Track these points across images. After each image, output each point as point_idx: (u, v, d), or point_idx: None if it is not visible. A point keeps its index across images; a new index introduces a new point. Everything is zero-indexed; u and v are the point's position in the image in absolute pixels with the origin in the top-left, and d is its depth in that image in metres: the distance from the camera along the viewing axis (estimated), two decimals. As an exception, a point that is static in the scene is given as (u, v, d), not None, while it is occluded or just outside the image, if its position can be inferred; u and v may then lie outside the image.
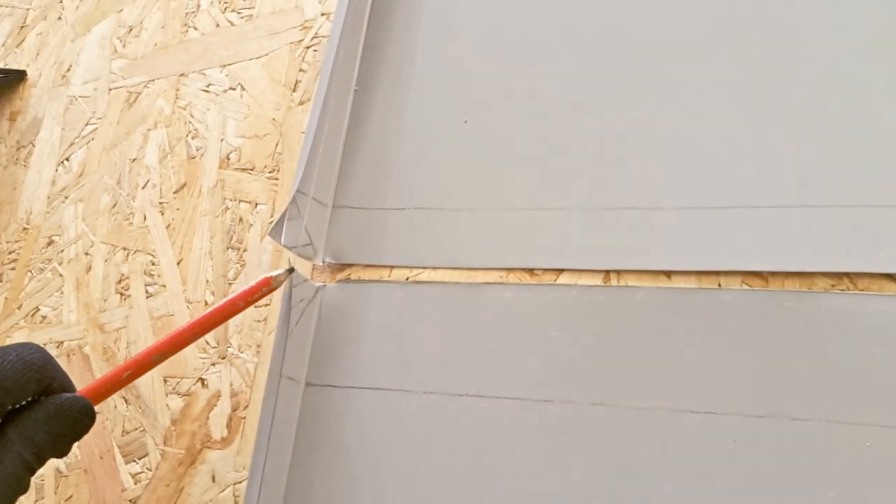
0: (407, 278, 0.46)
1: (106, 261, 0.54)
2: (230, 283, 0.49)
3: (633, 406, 0.40)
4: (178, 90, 0.57)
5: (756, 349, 0.39)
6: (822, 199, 0.40)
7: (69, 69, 0.63)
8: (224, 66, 0.57)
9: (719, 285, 0.41)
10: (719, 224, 0.41)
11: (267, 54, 0.55)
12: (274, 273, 0.42)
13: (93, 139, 0.59)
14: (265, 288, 0.41)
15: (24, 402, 0.32)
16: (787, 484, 0.36)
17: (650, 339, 0.41)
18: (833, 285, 0.39)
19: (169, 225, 0.53)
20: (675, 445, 0.38)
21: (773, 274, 0.40)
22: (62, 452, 0.33)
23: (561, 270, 0.44)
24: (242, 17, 0.57)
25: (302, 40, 0.54)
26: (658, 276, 0.42)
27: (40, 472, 0.49)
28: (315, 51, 0.54)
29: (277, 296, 0.48)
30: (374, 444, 0.43)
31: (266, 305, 0.48)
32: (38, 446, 0.32)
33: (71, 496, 0.47)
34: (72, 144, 0.59)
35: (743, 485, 0.37)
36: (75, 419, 0.33)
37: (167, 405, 0.48)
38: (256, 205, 0.51)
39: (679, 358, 0.40)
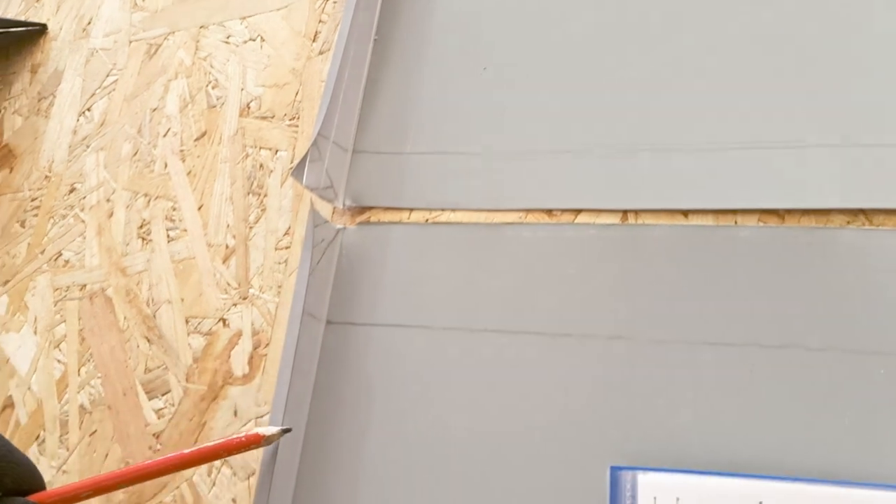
0: (426, 220, 0.47)
1: (127, 207, 0.54)
2: (251, 227, 0.50)
3: (651, 339, 0.40)
4: (198, 42, 0.58)
5: (772, 283, 0.40)
6: (837, 138, 0.41)
7: (90, 22, 0.64)
8: (244, 18, 0.57)
9: (736, 223, 0.41)
10: (736, 164, 0.42)
11: (286, 6, 0.56)
12: (267, 432, 0.39)
13: (114, 90, 0.59)
14: (253, 444, 0.39)
15: None
16: (803, 410, 0.37)
17: (668, 274, 0.41)
18: (849, 222, 0.40)
19: (190, 172, 0.54)
20: (693, 376, 0.39)
21: (790, 212, 0.41)
22: None
23: (579, 210, 0.44)
24: (263, -31, 0.58)
25: (322, -9, 0.55)
26: (675, 215, 0.42)
27: (64, 408, 0.50)
28: (335, 2, 0.55)
29: (298, 238, 0.49)
30: (393, 379, 0.44)
31: (287, 248, 0.49)
32: None
33: (95, 431, 0.48)
34: (93, 95, 0.60)
35: (759, 412, 0.38)
36: None
37: (189, 344, 0.49)
38: (277, 151, 0.52)
39: (696, 292, 0.40)
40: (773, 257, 0.40)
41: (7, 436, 0.50)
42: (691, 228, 0.42)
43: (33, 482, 0.33)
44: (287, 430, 0.40)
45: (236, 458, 0.45)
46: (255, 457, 0.45)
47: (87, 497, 0.36)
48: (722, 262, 0.41)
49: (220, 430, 0.46)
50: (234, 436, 0.38)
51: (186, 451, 0.37)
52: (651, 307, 0.41)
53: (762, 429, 0.37)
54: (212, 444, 0.37)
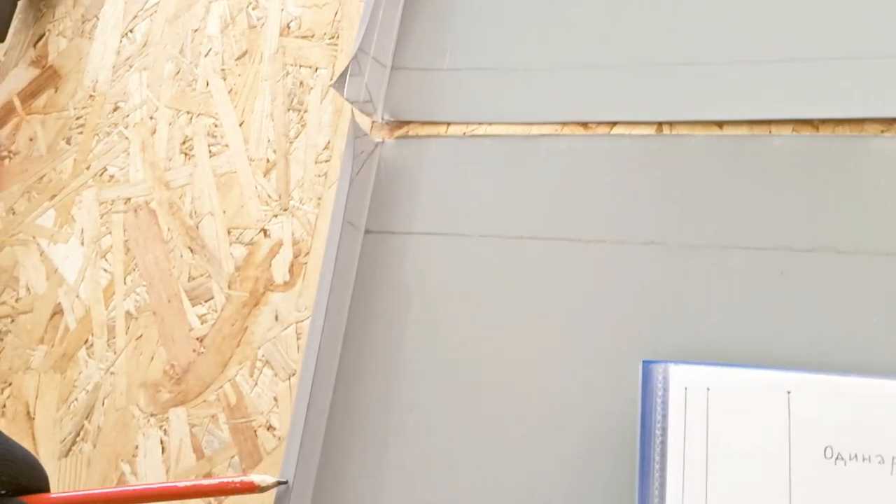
0: (463, 133, 0.48)
1: (170, 124, 0.56)
2: (291, 142, 0.51)
3: (683, 244, 0.41)
4: (238, -36, 0.59)
5: (804, 188, 0.40)
6: (871, 49, 0.41)
7: (131, -53, 0.65)
8: (283, -60, 0.58)
9: (770, 133, 0.42)
10: (771, 75, 0.43)
11: (326, -72, 0.57)
12: (262, 482, 0.39)
13: (155, 12, 0.60)
14: (247, 491, 0.38)
15: None
16: (832, 311, 0.38)
17: (701, 182, 0.42)
18: (883, 130, 0.40)
19: (231, 90, 0.55)
20: (724, 280, 0.40)
21: (824, 121, 0.41)
22: None
23: (614, 123, 0.45)
24: None
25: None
26: (710, 126, 0.43)
27: (111, 314, 0.52)
28: (373, -76, 0.55)
29: (337, 152, 0.50)
30: (429, 285, 0.45)
31: (326, 162, 0.50)
32: None
33: (141, 335, 0.50)
34: (135, 17, 0.61)
35: (788, 313, 0.39)
36: None
37: (231, 254, 0.50)
38: (316, 69, 0.53)
39: (729, 200, 0.41)
40: (806, 165, 0.41)
41: (56, 341, 0.53)
42: (726, 138, 0.42)
43: (31, 481, 0.33)
44: (282, 483, 0.39)
45: (277, 359, 0.47)
46: (296, 358, 0.46)
47: None
48: (755, 171, 0.41)
49: (261, 333, 0.48)
50: (229, 479, 0.38)
51: (181, 483, 0.37)
52: (684, 214, 0.42)
53: (791, 328, 0.38)
54: (206, 483, 0.37)
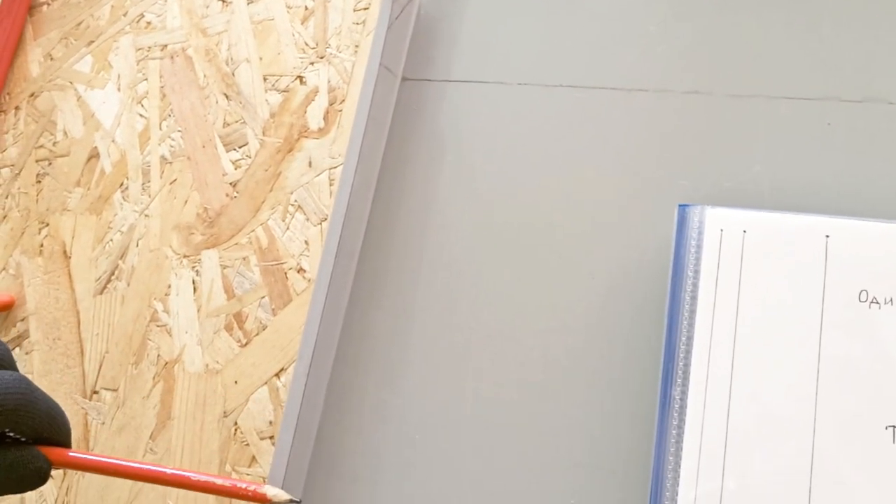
0: (507, -19, 0.47)
1: (208, -29, 0.55)
2: (330, -10, 0.50)
3: (729, 94, 0.40)
4: None
5: (859, 39, 0.39)
6: None
7: None
8: None
9: (828, -20, 0.40)
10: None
11: None
12: (275, 498, 0.36)
13: None
14: (258, 500, 0.36)
15: None
16: (877, 162, 0.37)
17: (750, 30, 0.41)
18: (948, -21, 0.38)
19: (270, -63, 0.53)
20: (768, 129, 0.39)
21: (887, -31, 0.39)
22: None
23: (664, -29, 0.43)
24: None
25: None
26: (765, -26, 0.41)
27: (146, 159, 0.52)
28: None
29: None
30: (465, 132, 0.45)
31: (365, 9, 0.49)
32: None
33: (175, 179, 0.50)
34: None
35: (831, 164, 0.38)
36: (21, 480, 0.31)
37: (266, 100, 0.50)
38: (357, -83, 0.51)
39: (778, 48, 0.40)
40: (860, 15, 0.39)
41: (92, 184, 0.53)
42: (781, -15, 0.41)
43: (53, 433, 0.33)
44: (297, 502, 0.37)
45: (309, 203, 0.47)
46: (328, 203, 0.46)
47: (95, 471, 0.36)
48: (807, 19, 0.40)
49: (294, 179, 0.48)
50: (244, 485, 0.36)
51: (194, 476, 0.36)
52: (731, 63, 0.41)
53: (833, 179, 0.38)
54: (219, 482, 0.36)
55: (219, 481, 0.36)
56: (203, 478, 0.35)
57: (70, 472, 0.46)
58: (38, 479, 0.32)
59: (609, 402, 0.38)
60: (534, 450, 0.38)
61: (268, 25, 0.52)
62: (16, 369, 0.33)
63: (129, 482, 0.45)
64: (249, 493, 0.35)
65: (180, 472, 0.36)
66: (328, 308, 0.43)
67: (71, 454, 0.34)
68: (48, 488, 0.46)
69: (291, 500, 0.36)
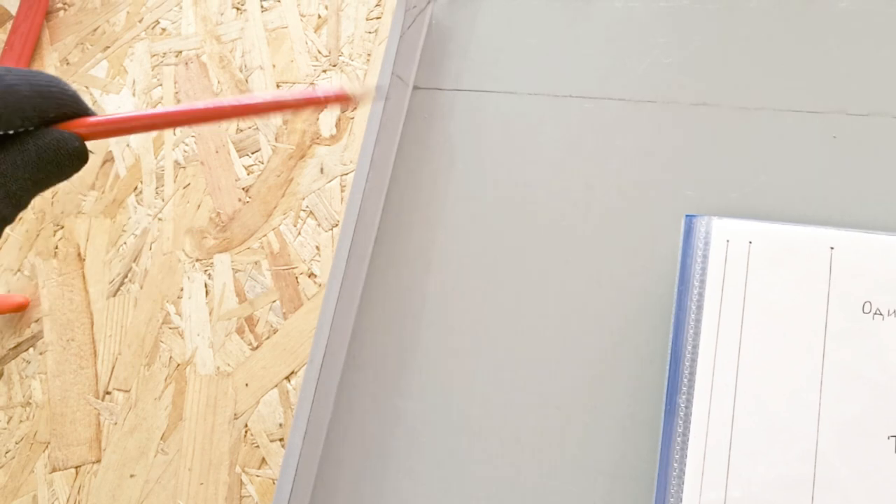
0: (518, -8, 0.47)
1: (223, -21, 0.55)
2: (343, -1, 0.51)
3: (736, 106, 0.41)
4: None
5: (866, 53, 0.39)
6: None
7: None
8: None
9: (836, -5, 0.41)
10: (842, -63, 0.41)
11: None
12: (356, 91, 0.31)
13: None
14: (341, 102, 0.30)
15: (13, 132, 0.27)
16: (882, 175, 0.38)
17: (759, 43, 0.41)
18: (954, -5, 0.39)
19: (284, -54, 0.54)
20: (774, 142, 0.40)
21: (893, -15, 0.40)
22: (44, 190, 0.28)
23: (674, -16, 0.44)
24: None
25: None
26: (773, -12, 0.42)
27: (160, 163, 0.53)
28: None
29: (389, 9, 0.50)
30: (476, 141, 0.45)
31: (377, 19, 0.50)
32: (13, 193, 0.27)
33: (189, 184, 0.51)
34: None
35: (836, 177, 0.38)
36: (61, 163, 0.28)
37: (279, 107, 0.51)
38: (371, -74, 0.52)
39: (787, 61, 0.40)
40: (870, 28, 0.39)
41: (107, 188, 0.54)
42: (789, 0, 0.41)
43: (58, 107, 0.28)
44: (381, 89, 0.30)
45: (320, 209, 0.47)
46: (339, 209, 0.47)
47: (141, 129, 0.29)
48: (817, 32, 0.40)
49: (306, 185, 0.48)
50: (322, 93, 0.30)
51: (259, 99, 0.30)
52: (739, 75, 0.41)
53: (838, 192, 0.38)
54: (297, 96, 0.30)
55: (290, 97, 0.29)
56: (275, 99, 0.29)
57: (82, 471, 0.47)
58: (76, 159, 0.28)
59: (614, 409, 0.38)
60: (539, 455, 0.39)
61: (281, 33, 0.52)
62: None
63: (140, 482, 0.46)
64: (330, 98, 0.29)
65: (230, 104, 0.29)
66: (339, 312, 0.44)
67: (93, 120, 0.29)
68: (60, 487, 0.47)
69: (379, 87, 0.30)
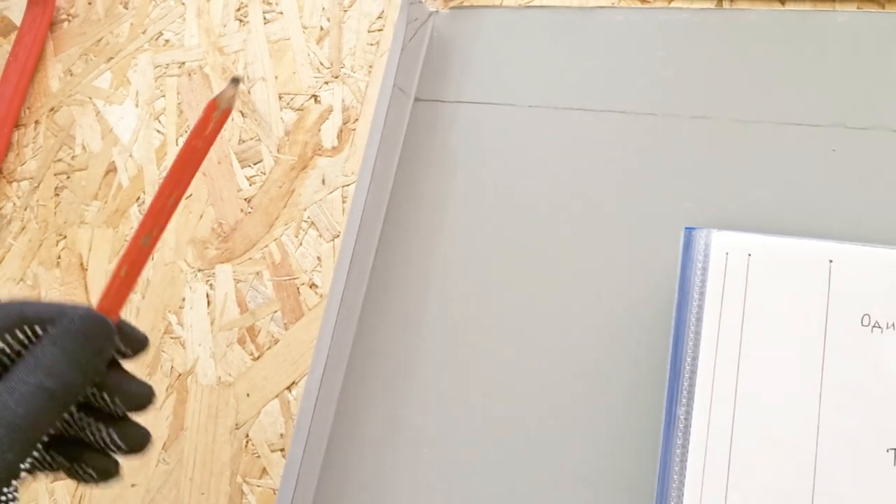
0: (518, 4, 0.47)
1: (226, -9, 0.56)
2: (345, 10, 0.51)
3: (735, 119, 0.41)
4: None
5: (864, 67, 0.39)
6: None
7: None
8: None
9: (834, 8, 0.41)
10: (841, -48, 0.41)
11: None
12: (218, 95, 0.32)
13: None
14: (215, 112, 0.31)
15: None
16: (882, 188, 0.38)
17: (758, 57, 0.41)
18: (952, 10, 0.39)
19: (287, -42, 0.55)
20: (774, 155, 0.40)
21: (891, -1, 0.40)
22: (93, 367, 0.29)
23: (674, -3, 0.44)
24: None
25: None
26: (772, 2, 0.42)
27: (163, 174, 0.53)
28: None
29: (391, 21, 0.50)
30: (476, 153, 0.46)
31: (379, 31, 0.50)
32: (50, 367, 0.27)
33: (191, 195, 0.51)
34: None
35: (835, 190, 0.38)
36: (80, 331, 0.29)
37: (281, 118, 0.51)
38: (373, -61, 0.52)
39: (786, 75, 0.41)
40: (869, 42, 0.40)
41: (109, 198, 0.54)
42: (787, 13, 0.41)
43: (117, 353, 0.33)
44: (236, 81, 0.32)
45: (322, 220, 0.48)
46: (340, 220, 0.47)
47: (128, 277, 0.32)
48: (815, 46, 0.41)
49: (308, 196, 0.48)
50: (196, 121, 0.32)
51: (168, 173, 0.32)
52: (739, 89, 0.41)
53: (837, 205, 0.38)
54: (184, 146, 0.32)
55: (183, 147, 0.31)
56: (175, 161, 0.32)
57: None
58: (93, 324, 0.29)
59: (615, 421, 0.38)
60: (541, 466, 0.39)
61: (284, 45, 0.53)
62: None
63: (141, 492, 0.46)
64: (205, 117, 0.31)
65: (164, 183, 0.32)
66: (340, 323, 0.44)
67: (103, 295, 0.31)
68: (62, 497, 0.47)
69: (233, 80, 0.32)
